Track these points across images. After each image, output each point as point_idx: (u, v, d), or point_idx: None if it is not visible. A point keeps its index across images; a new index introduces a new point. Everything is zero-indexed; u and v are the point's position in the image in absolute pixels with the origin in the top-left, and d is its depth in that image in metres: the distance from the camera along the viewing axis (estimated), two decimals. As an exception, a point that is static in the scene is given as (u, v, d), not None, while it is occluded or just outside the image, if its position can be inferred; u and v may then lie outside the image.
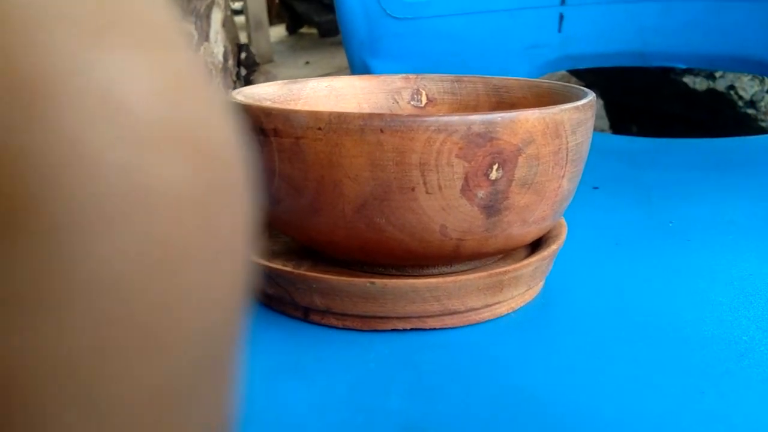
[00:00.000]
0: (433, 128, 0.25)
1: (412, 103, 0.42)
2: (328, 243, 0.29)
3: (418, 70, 0.59)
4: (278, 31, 3.46)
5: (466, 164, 0.25)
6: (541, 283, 0.31)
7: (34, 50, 0.08)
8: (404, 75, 0.42)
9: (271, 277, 0.29)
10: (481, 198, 0.26)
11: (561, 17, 0.68)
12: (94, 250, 0.08)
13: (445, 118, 0.25)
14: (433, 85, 0.42)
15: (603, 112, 1.26)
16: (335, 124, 0.25)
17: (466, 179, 0.25)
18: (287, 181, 0.27)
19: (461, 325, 0.28)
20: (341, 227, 0.27)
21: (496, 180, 0.26)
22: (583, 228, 0.37)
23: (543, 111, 0.26)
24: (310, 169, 0.26)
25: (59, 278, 0.08)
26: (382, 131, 0.25)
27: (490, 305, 0.28)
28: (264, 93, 0.36)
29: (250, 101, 0.29)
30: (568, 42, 0.68)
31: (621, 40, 0.66)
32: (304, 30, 3.46)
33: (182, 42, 0.10)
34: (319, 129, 0.25)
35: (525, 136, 0.26)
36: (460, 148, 0.25)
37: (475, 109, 0.40)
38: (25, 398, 0.08)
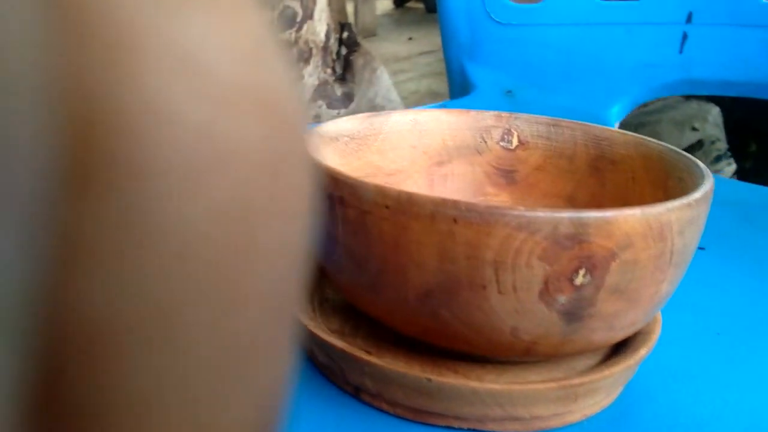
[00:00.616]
0: (513, 224, 0.22)
1: (501, 144, 0.38)
2: (387, 320, 0.26)
3: (516, 79, 0.54)
4: (385, 4, 3.42)
5: (548, 267, 0.22)
6: (621, 388, 0.28)
7: (122, 11, 0.08)
8: (497, 113, 0.39)
9: (323, 347, 0.27)
10: (562, 304, 0.23)
11: (684, 36, 0.62)
12: (175, 204, 0.08)
13: (530, 214, 0.22)
14: (526, 126, 0.38)
15: (721, 127, 1.15)
16: (404, 205, 0.23)
17: (545, 283, 0.22)
18: (349, 254, 0.25)
19: (525, 431, 0.25)
20: (402, 311, 0.25)
21: (581, 286, 0.22)
22: (677, 309, 0.33)
23: (646, 211, 0.22)
24: (374, 246, 0.24)
25: (141, 231, 0.08)
26: (455, 221, 0.22)
27: (560, 414, 0.25)
28: (343, 129, 0.34)
29: (323, 161, 0.27)
30: (690, 64, 0.61)
31: (749, 67, 0.59)
32: (411, 4, 3.41)
33: (257, 9, 0.10)
34: (387, 207, 0.23)
35: (622, 240, 0.22)
36: (543, 249, 0.22)
37: (571, 160, 0.36)
38: (116, 345, 0.08)
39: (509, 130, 0.38)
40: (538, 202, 0.37)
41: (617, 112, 0.68)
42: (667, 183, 0.31)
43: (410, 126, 0.38)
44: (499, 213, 0.22)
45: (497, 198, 0.38)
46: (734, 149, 1.12)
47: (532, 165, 0.38)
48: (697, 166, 0.29)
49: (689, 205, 0.24)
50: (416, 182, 0.38)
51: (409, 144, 0.38)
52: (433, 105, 0.67)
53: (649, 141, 0.33)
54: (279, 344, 0.11)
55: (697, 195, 0.24)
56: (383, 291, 0.25)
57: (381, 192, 0.23)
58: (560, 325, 0.23)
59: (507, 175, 0.38)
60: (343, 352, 0.26)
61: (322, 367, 0.28)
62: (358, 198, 0.24)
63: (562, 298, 0.22)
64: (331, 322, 0.29)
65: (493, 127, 0.39)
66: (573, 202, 0.36)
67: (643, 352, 0.26)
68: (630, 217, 0.22)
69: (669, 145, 0.32)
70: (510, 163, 0.38)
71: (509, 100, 0.68)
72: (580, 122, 0.37)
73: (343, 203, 0.24)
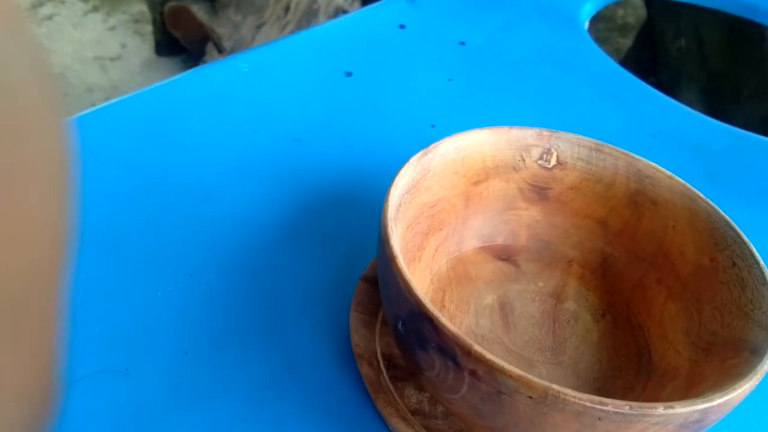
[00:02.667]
0: (653, 421, 0.23)
1: (539, 162, 0.37)
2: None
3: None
4: None
5: (669, 443, 0.25)
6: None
7: None
8: (538, 130, 0.37)
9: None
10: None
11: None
12: None
13: (671, 412, 0.23)
14: (567, 147, 0.37)
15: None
16: (550, 400, 0.23)
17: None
18: (469, 405, 0.26)
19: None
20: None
21: (686, 443, 0.26)
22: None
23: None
24: (506, 415, 0.25)
25: None
26: (599, 419, 0.23)
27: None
28: (401, 186, 0.32)
29: (445, 326, 0.25)
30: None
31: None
32: None
33: None
34: (530, 398, 0.24)
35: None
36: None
37: (609, 187, 0.37)
38: None
39: (549, 150, 0.37)
40: (567, 221, 0.38)
41: (589, 9, 0.66)
42: (716, 255, 0.33)
43: (454, 153, 0.35)
44: (645, 415, 0.23)
45: (527, 212, 0.39)
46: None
47: (567, 184, 0.38)
48: (738, 234, 0.31)
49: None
50: (454, 206, 0.36)
51: (452, 172, 0.36)
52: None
53: (697, 196, 0.34)
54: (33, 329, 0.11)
55: (742, 387, 0.27)
56: (503, 438, 0.26)
57: (526, 383, 0.23)
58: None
59: (540, 192, 0.38)
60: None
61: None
62: (495, 379, 0.24)
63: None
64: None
65: (533, 146, 0.37)
66: (605, 227, 0.38)
67: None
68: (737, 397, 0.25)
69: (718, 208, 0.33)
70: (545, 181, 0.38)
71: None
72: (623, 151, 0.36)
73: (476, 376, 0.24)
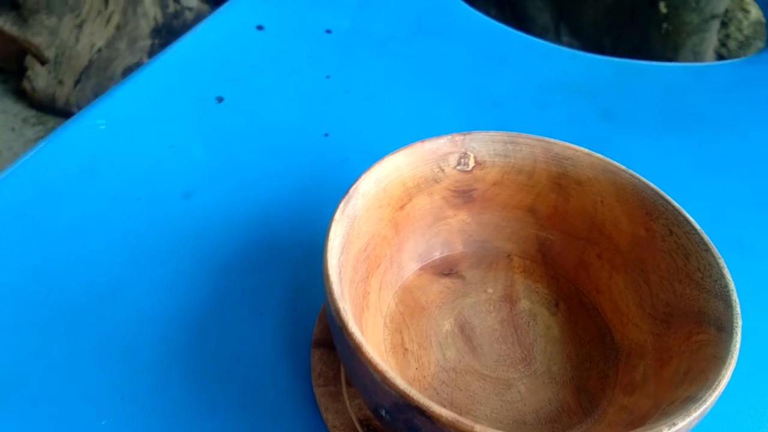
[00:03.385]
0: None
1: (458, 167, 0.36)
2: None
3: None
4: None
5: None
6: None
7: None
8: (450, 137, 0.35)
9: None
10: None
11: None
12: None
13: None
14: (482, 146, 0.35)
15: None
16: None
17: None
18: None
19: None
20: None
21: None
22: None
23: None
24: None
25: None
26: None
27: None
28: (335, 252, 0.29)
29: (441, 414, 0.23)
30: None
31: None
32: None
33: None
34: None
35: None
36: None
37: (530, 175, 0.36)
38: None
39: (465, 153, 0.35)
40: (497, 215, 0.37)
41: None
42: (650, 224, 0.33)
43: (375, 188, 0.33)
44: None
45: (455, 218, 0.37)
46: None
47: (489, 182, 0.36)
48: (671, 205, 0.32)
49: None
50: (385, 237, 0.34)
51: (377, 206, 0.33)
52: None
53: (619, 169, 0.34)
54: None
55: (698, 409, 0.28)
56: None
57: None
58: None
59: (464, 195, 0.37)
60: None
61: None
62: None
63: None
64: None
65: (448, 153, 0.35)
66: (534, 213, 0.37)
67: None
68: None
69: (642, 178, 0.33)
70: (467, 184, 0.36)
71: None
72: (538, 137, 0.35)
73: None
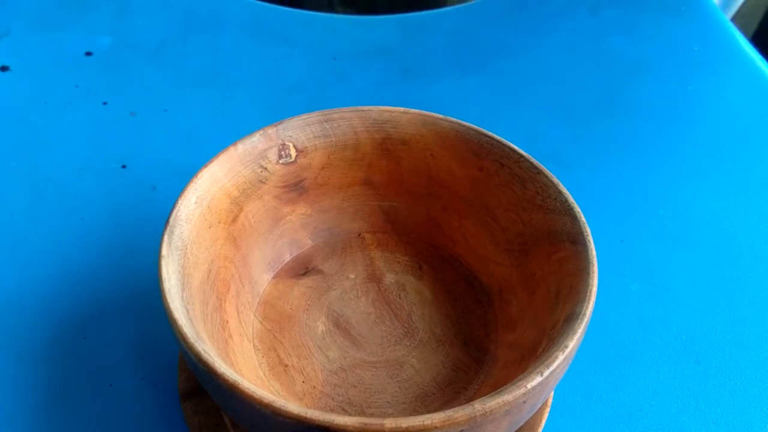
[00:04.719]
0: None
1: (281, 161, 0.33)
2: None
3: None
4: None
5: None
6: None
7: None
8: (263, 131, 0.32)
9: None
10: None
11: None
12: None
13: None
14: (298, 133, 0.33)
15: None
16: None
17: None
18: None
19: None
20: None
21: None
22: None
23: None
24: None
25: None
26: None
27: None
28: (176, 297, 0.25)
29: (348, 423, 0.21)
30: None
31: None
32: None
33: None
34: None
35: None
36: None
37: (356, 149, 0.34)
38: None
39: (283, 144, 0.33)
40: (335, 198, 0.36)
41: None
42: (482, 164, 0.33)
43: (198, 208, 0.29)
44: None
45: (294, 214, 0.35)
46: None
47: (317, 167, 0.34)
48: (500, 143, 0.32)
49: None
50: (226, 256, 0.31)
51: (206, 227, 0.30)
52: None
53: (438, 119, 0.34)
54: None
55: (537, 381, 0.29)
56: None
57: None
58: None
59: (296, 187, 0.34)
60: None
61: None
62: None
63: None
64: None
65: (266, 149, 0.32)
66: (372, 185, 0.36)
67: None
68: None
69: (462, 122, 0.33)
70: (295, 175, 0.34)
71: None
72: (351, 108, 0.34)
73: None
